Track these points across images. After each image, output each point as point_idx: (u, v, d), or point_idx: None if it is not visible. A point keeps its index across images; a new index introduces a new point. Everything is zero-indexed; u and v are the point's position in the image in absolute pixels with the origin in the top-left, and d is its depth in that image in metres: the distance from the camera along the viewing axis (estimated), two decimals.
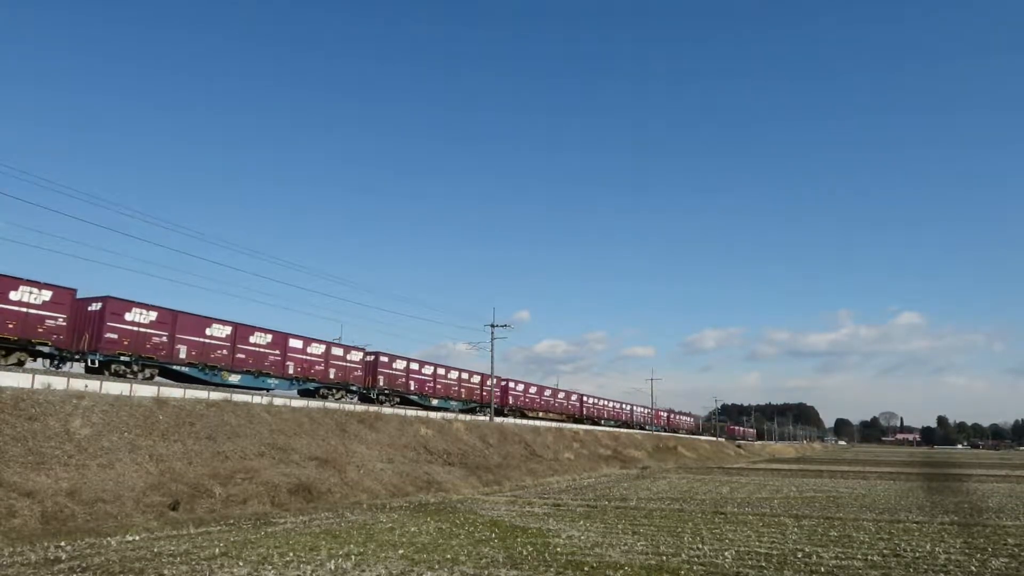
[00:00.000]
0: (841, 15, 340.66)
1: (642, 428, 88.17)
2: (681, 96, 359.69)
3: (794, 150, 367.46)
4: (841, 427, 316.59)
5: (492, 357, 52.69)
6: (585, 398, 75.03)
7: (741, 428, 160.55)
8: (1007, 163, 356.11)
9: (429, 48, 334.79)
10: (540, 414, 62.25)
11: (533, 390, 63.81)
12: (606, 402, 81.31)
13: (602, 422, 74.44)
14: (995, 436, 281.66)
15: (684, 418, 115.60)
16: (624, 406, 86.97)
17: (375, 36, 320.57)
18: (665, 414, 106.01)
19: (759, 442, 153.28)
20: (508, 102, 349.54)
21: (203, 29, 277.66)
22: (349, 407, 35.63)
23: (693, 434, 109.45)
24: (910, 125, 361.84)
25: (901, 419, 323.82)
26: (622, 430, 78.68)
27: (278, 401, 31.68)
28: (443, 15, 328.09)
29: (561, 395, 70.08)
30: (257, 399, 30.74)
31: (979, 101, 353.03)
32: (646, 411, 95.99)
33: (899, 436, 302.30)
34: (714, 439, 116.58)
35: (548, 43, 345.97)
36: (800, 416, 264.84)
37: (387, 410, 38.77)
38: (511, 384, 59.76)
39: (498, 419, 51.12)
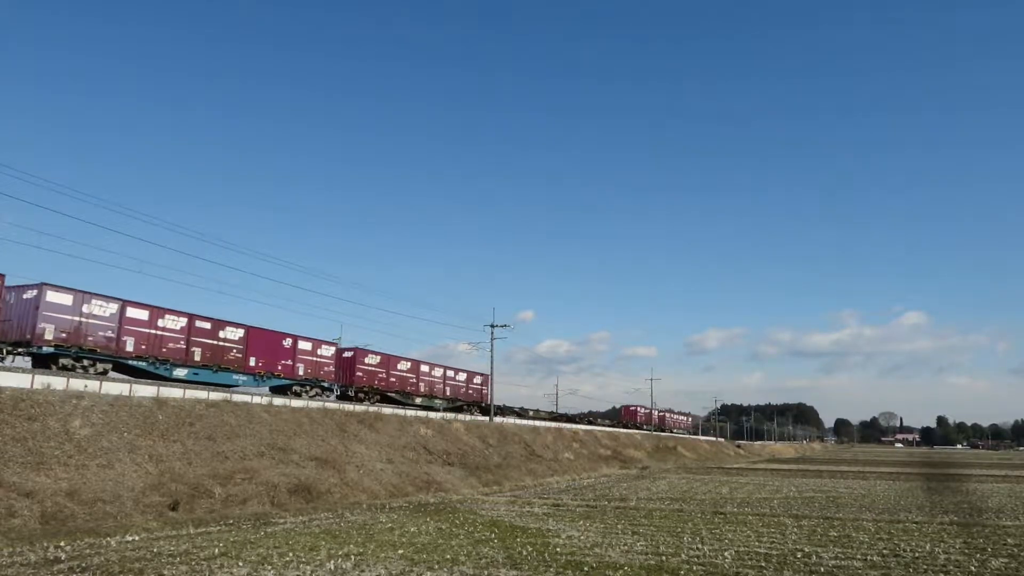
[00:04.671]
0: (840, 16, 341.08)
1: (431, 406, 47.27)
2: (684, 96, 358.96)
3: (796, 150, 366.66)
4: (841, 427, 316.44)
5: (492, 357, 52.88)
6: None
7: (645, 410, 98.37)
8: (1007, 163, 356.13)
9: (430, 48, 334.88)
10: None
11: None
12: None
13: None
14: (995, 436, 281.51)
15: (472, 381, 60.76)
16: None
17: (375, 36, 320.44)
18: (453, 375, 51.66)
19: (759, 442, 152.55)
20: (511, 102, 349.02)
21: (203, 29, 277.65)
22: (349, 407, 35.55)
23: (539, 420, 62.54)
24: (910, 125, 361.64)
25: (901, 419, 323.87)
26: (621, 430, 78.76)
27: (278, 401, 31.70)
28: (443, 14, 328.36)
29: None
30: (257, 399, 30.76)
31: (979, 101, 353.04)
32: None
33: (898, 436, 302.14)
34: (714, 439, 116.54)
35: (549, 43, 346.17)
36: (800, 416, 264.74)
37: (387, 410, 38.76)
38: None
39: (498, 419, 51.20)
